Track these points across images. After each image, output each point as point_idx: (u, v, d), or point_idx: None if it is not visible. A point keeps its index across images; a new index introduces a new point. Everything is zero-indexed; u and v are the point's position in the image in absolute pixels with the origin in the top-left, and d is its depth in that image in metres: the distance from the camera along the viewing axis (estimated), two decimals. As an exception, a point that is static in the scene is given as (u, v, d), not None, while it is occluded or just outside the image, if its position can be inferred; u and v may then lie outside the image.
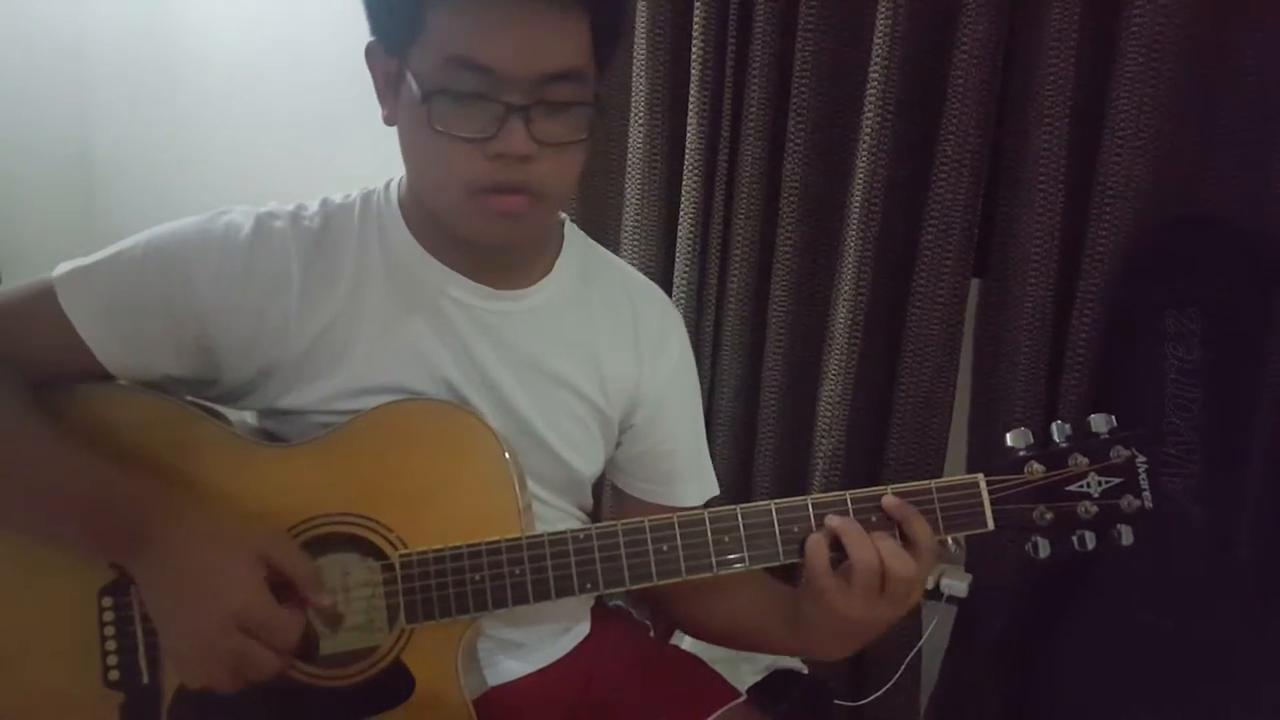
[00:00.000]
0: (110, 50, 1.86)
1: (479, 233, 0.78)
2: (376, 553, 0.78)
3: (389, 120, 0.79)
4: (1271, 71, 1.16)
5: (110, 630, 0.79)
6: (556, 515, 0.91)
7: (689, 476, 0.94)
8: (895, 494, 0.76)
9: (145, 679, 0.79)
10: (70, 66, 1.87)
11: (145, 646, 0.79)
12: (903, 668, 1.40)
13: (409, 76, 0.72)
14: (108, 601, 0.79)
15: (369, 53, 0.78)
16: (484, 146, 0.72)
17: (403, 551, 0.78)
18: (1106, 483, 0.74)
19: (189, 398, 0.85)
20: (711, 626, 0.94)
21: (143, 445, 0.80)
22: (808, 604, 0.78)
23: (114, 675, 0.79)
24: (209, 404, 0.86)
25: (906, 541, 0.75)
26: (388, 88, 0.77)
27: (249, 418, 0.88)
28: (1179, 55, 1.15)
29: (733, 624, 0.91)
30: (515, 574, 0.76)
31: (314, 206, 0.86)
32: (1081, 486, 0.74)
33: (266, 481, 0.81)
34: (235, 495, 0.79)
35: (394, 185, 0.87)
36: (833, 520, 0.75)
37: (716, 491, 0.98)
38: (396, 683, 0.78)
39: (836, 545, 0.75)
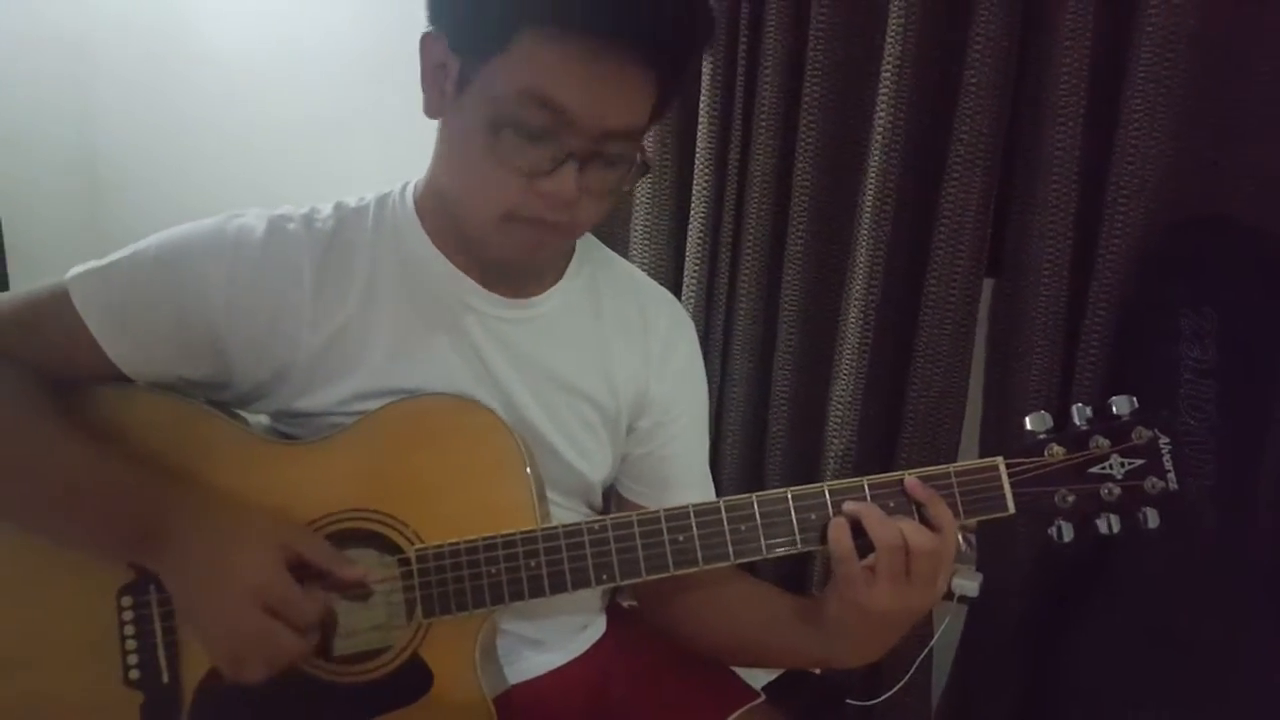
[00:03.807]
0: (115, 50, 1.87)
1: (500, 252, 0.80)
2: (393, 548, 0.79)
3: (433, 111, 0.78)
4: (1285, 70, 1.16)
5: (130, 630, 0.79)
6: (568, 516, 0.91)
7: (686, 483, 0.93)
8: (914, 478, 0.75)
9: (165, 678, 0.79)
10: (74, 66, 1.87)
11: (165, 645, 0.79)
12: (914, 668, 1.39)
13: (475, 89, 0.72)
14: (127, 601, 0.79)
15: (424, 41, 0.76)
16: (534, 181, 0.72)
17: (418, 546, 0.78)
18: (1129, 464, 0.73)
19: (205, 400, 0.85)
20: (717, 638, 0.91)
21: (159, 446, 0.81)
22: (833, 603, 0.77)
23: (134, 675, 0.79)
24: (225, 405, 0.86)
25: (928, 525, 0.73)
26: (435, 81, 0.76)
27: (264, 419, 0.89)
28: (1193, 55, 1.15)
29: (740, 635, 0.89)
30: (531, 566, 0.76)
31: (327, 210, 0.85)
32: (1104, 468, 0.73)
33: (281, 479, 0.81)
34: (251, 494, 0.80)
35: (409, 189, 0.86)
36: (850, 505, 0.74)
37: (712, 497, 0.96)
38: (415, 678, 0.78)
39: (857, 532, 0.74)
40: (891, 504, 0.74)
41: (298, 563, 0.75)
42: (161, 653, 0.79)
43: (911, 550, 0.72)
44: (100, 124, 1.91)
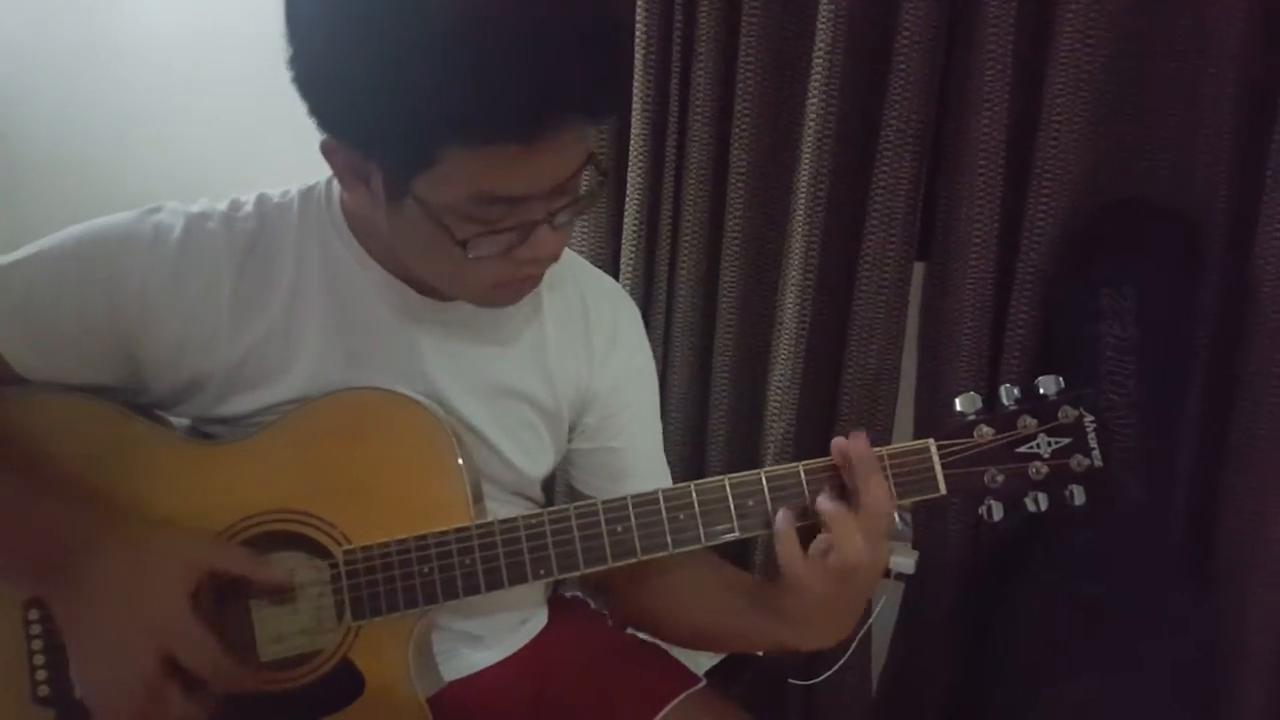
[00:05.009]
0: (27, 33, 1.77)
1: (489, 305, 0.79)
2: (321, 551, 0.76)
3: (364, 210, 0.75)
4: (1198, 59, 1.19)
5: (38, 644, 0.76)
6: (506, 511, 0.89)
7: (640, 473, 0.92)
8: None
9: (78, 693, 0.74)
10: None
11: None
12: (853, 646, 1.42)
13: (412, 201, 0.68)
14: (34, 614, 0.76)
15: (325, 150, 0.71)
16: (511, 254, 0.71)
17: (346, 547, 0.76)
18: (1056, 443, 0.74)
19: (119, 401, 0.81)
20: (679, 625, 0.91)
21: (70, 451, 0.76)
22: (788, 596, 0.76)
23: (44, 691, 0.76)
24: (141, 406, 0.83)
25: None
26: (356, 182, 0.72)
27: (186, 421, 0.85)
28: (1112, 42, 1.18)
29: (711, 621, 0.88)
30: (466, 564, 0.75)
31: (249, 205, 0.81)
32: (1031, 447, 0.74)
33: (202, 482, 0.78)
34: (170, 498, 0.76)
35: (335, 185, 0.82)
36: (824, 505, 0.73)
37: (668, 484, 0.95)
38: (344, 683, 0.76)
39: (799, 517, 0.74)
40: (827, 487, 0.74)
41: (212, 574, 0.72)
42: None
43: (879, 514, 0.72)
44: (10, 112, 1.81)
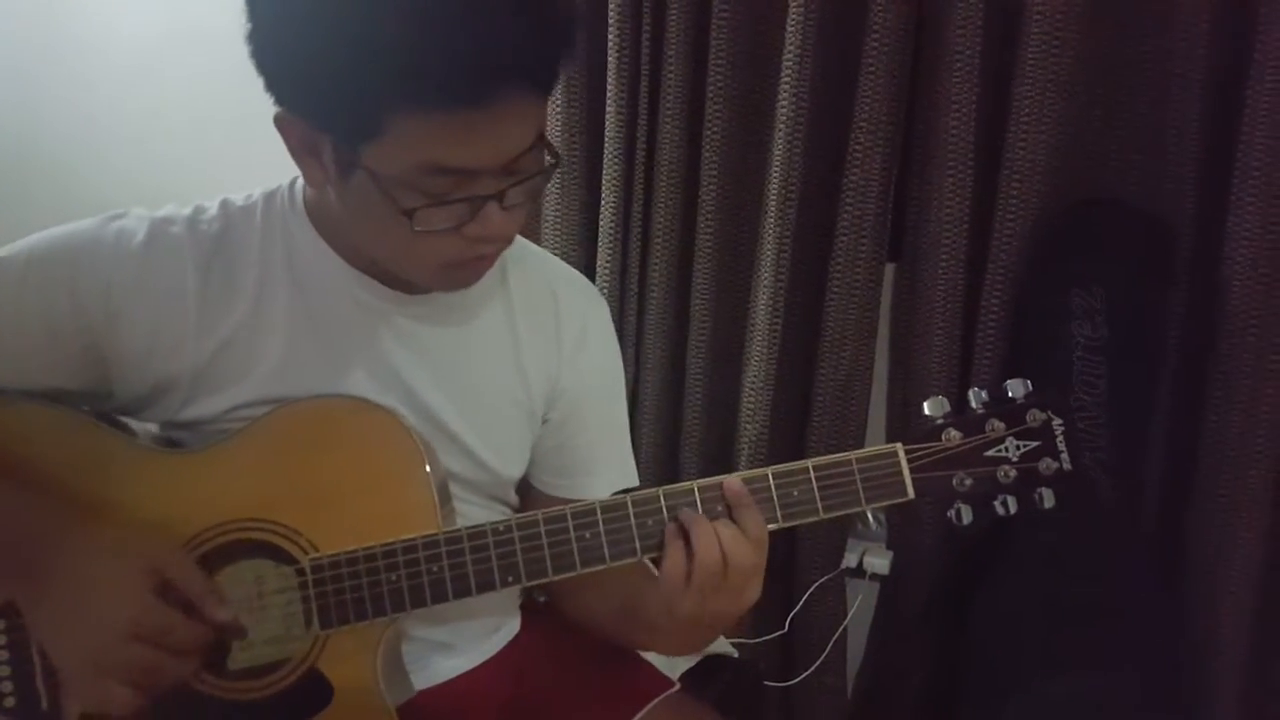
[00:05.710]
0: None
1: (445, 288, 0.79)
2: (289, 559, 0.76)
3: (316, 185, 0.75)
4: (1166, 59, 1.20)
5: (4, 655, 0.75)
6: (483, 516, 0.88)
7: (597, 470, 0.92)
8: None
9: (44, 704, 0.75)
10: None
11: (43, 670, 0.74)
12: (829, 646, 1.42)
13: (362, 173, 0.69)
14: (0, 624, 0.75)
15: (279, 123, 0.71)
16: (460, 231, 0.71)
17: (313, 555, 0.75)
18: (1024, 446, 0.75)
19: (84, 407, 0.80)
20: (599, 621, 0.91)
21: (33, 459, 0.76)
22: (653, 604, 0.76)
23: (9, 702, 0.75)
24: (107, 414, 0.82)
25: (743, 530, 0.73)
26: (310, 158, 0.72)
27: (152, 427, 0.84)
28: (1080, 42, 1.19)
29: (613, 618, 0.88)
30: (433, 571, 0.74)
31: (213, 209, 0.81)
32: (1000, 451, 0.75)
33: (168, 491, 0.77)
34: (135, 506, 0.76)
35: (299, 184, 0.83)
36: (685, 513, 0.74)
37: (634, 483, 0.95)
38: (313, 691, 0.75)
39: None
40: (719, 508, 0.74)
41: (171, 589, 0.71)
42: (40, 678, 0.75)
43: (730, 565, 0.71)
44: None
